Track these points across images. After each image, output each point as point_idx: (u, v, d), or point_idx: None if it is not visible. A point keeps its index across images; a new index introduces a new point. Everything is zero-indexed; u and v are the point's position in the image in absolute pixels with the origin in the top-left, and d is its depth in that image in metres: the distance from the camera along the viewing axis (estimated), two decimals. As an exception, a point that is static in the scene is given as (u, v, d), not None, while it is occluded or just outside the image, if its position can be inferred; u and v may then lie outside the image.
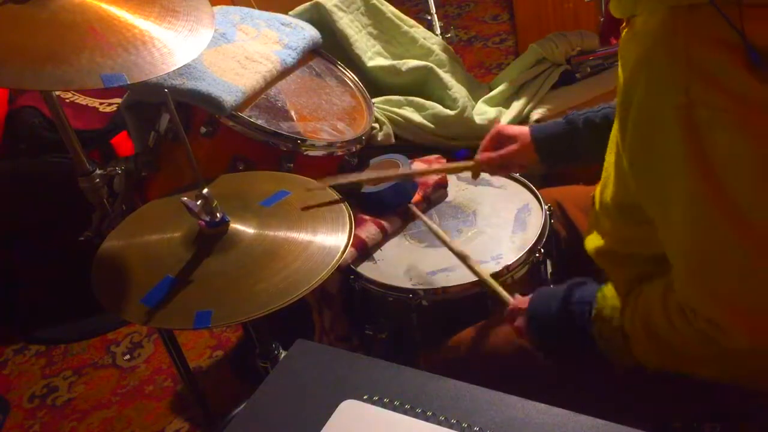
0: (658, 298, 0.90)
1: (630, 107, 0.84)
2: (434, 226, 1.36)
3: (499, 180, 1.51)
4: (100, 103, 2.16)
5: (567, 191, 1.46)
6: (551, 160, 1.28)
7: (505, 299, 1.16)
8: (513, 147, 1.29)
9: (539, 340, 1.08)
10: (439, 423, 0.77)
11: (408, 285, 1.28)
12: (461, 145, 1.78)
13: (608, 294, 1.00)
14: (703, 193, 0.77)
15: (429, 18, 2.13)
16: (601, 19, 2.12)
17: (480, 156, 1.33)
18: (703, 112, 0.76)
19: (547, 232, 1.32)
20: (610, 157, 1.01)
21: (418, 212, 1.41)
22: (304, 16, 1.79)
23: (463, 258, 1.25)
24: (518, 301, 1.13)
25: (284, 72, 1.56)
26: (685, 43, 0.77)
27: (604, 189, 1.02)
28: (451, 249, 1.28)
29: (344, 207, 1.15)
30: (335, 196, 1.21)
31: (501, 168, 1.35)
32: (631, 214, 0.94)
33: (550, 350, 1.08)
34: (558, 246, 1.38)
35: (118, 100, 2.11)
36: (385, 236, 1.41)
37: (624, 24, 0.94)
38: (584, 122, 1.24)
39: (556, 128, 1.27)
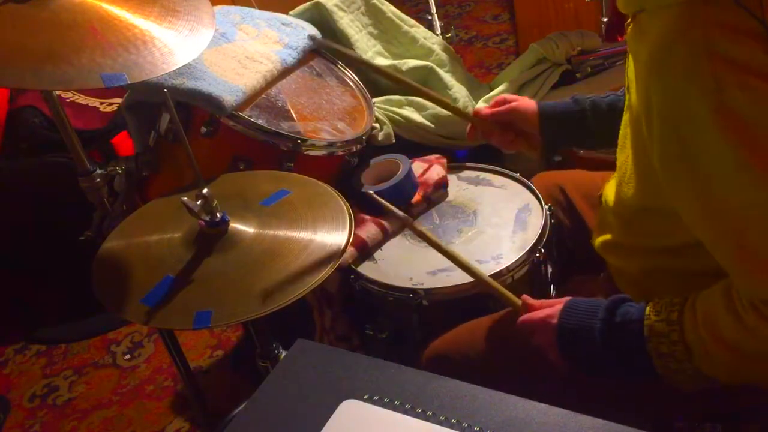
0: (719, 301, 0.85)
1: (651, 103, 0.83)
2: (430, 235, 1.17)
3: (499, 180, 1.51)
4: (101, 103, 2.16)
5: (569, 175, 1.45)
6: (551, 133, 1.25)
7: (513, 302, 1.08)
8: (515, 103, 1.29)
9: (578, 362, 0.99)
10: (439, 423, 0.77)
11: (408, 285, 1.28)
12: (461, 145, 1.78)
13: (657, 307, 0.91)
14: (757, 171, 0.76)
15: (429, 18, 2.13)
16: (604, 19, 2.12)
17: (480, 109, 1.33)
18: (736, 93, 0.75)
19: (547, 232, 1.32)
20: (622, 156, 1.01)
21: (419, 228, 1.17)
22: (305, 16, 1.79)
23: (462, 264, 1.12)
24: (536, 310, 1.03)
25: (285, 72, 1.56)
26: (704, 34, 0.77)
27: (620, 189, 1.01)
28: (449, 256, 1.13)
29: (344, 206, 1.15)
30: None
31: (500, 128, 1.30)
32: (657, 212, 0.93)
33: (589, 370, 0.99)
34: (561, 236, 1.37)
35: (119, 100, 2.11)
36: (386, 236, 1.41)
37: (629, 20, 0.94)
38: (590, 105, 1.23)
39: (563, 104, 1.27)
